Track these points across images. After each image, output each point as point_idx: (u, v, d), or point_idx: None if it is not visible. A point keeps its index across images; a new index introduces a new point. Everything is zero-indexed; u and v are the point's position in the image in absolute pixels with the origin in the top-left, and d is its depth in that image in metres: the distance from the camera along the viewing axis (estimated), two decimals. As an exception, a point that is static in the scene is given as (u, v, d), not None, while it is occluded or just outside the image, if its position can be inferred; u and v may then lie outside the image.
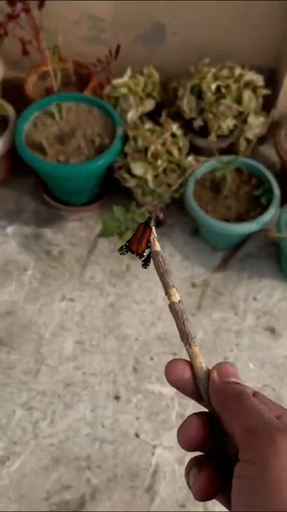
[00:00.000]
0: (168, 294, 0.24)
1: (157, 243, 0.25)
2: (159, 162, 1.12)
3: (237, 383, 0.22)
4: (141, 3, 1.26)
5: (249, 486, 0.18)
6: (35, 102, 1.21)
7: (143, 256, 0.25)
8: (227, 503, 0.21)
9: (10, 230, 1.27)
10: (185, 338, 0.23)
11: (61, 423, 1.00)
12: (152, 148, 1.10)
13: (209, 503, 0.90)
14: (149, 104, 1.22)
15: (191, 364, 0.23)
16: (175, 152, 1.14)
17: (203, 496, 0.21)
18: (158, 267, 0.25)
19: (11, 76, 1.47)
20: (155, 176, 1.13)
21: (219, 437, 0.22)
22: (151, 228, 0.26)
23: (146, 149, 1.13)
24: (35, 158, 1.12)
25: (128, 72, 1.26)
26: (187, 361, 0.23)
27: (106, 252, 1.23)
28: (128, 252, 0.27)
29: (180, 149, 1.16)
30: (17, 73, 1.52)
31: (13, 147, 1.22)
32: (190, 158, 1.17)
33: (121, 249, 0.26)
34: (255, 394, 0.23)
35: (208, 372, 0.23)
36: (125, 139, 1.17)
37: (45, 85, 1.35)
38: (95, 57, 1.39)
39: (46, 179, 1.23)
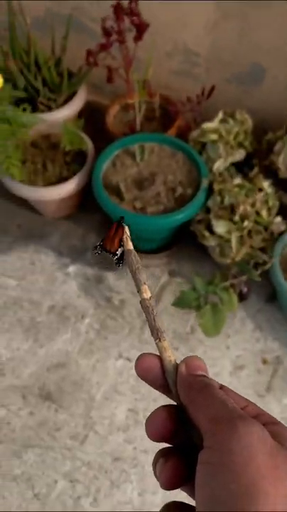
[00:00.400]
0: (139, 290, 0.24)
1: (129, 242, 0.26)
2: (246, 223, 1.00)
3: (204, 376, 0.22)
4: (242, 41, 1.16)
5: (211, 471, 0.18)
6: (117, 140, 1.13)
7: (117, 255, 0.25)
8: (193, 493, 0.21)
9: (72, 269, 1.19)
10: (155, 332, 0.23)
11: (105, 503, 0.90)
12: (241, 208, 0.99)
13: None
14: (239, 155, 1.11)
15: (160, 358, 0.23)
16: (264, 213, 1.03)
17: (169, 485, 0.21)
18: (130, 265, 0.25)
19: (89, 99, 1.40)
20: (239, 237, 1.02)
21: (187, 429, 0.22)
22: (124, 227, 0.26)
23: (232, 207, 1.02)
24: (111, 203, 1.03)
25: (220, 115, 1.15)
26: (156, 355, 0.23)
27: (171, 309, 1.12)
28: (103, 252, 0.27)
29: (269, 209, 1.05)
30: (96, 97, 1.45)
31: (86, 183, 1.14)
32: (279, 219, 1.06)
33: (95, 248, 0.27)
34: (221, 387, 0.23)
35: (176, 366, 0.23)
36: (209, 190, 1.06)
37: (126, 118, 1.27)
38: (182, 90, 1.29)
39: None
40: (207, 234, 1.04)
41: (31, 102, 1.20)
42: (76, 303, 1.14)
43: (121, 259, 0.26)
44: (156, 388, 0.24)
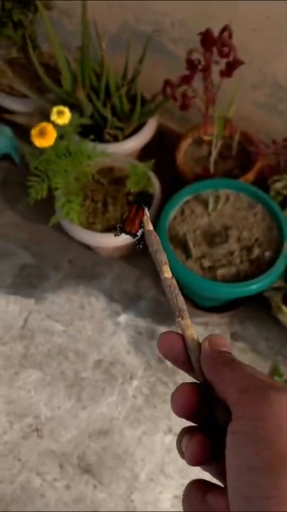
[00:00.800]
0: (160, 270, 0.24)
1: (149, 223, 0.26)
2: None
3: (228, 352, 0.22)
4: None
5: (243, 440, 0.18)
6: (188, 186, 1.00)
7: (137, 236, 0.25)
8: (218, 475, 0.22)
9: (123, 318, 1.08)
10: (177, 311, 0.23)
11: None
12: None
13: None
14: None
15: (183, 336, 0.23)
16: None
17: (194, 460, 0.21)
18: (151, 245, 0.25)
19: (157, 121, 1.27)
20: None
21: (211, 406, 0.22)
22: (144, 209, 0.26)
23: None
24: (176, 261, 0.91)
25: (309, 164, 1.00)
26: (178, 333, 0.23)
27: (230, 379, 1.00)
28: (123, 233, 0.27)
29: None
30: (164, 121, 1.32)
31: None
32: None
33: (115, 229, 0.27)
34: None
35: (199, 343, 0.23)
36: (290, 256, 0.92)
37: (199, 153, 1.13)
38: (264, 125, 1.15)
39: (180, 280, 1.02)
40: (284, 308, 0.90)
41: (96, 130, 1.09)
42: (125, 360, 1.03)
43: (142, 240, 0.26)
44: (179, 366, 0.23)
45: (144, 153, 1.17)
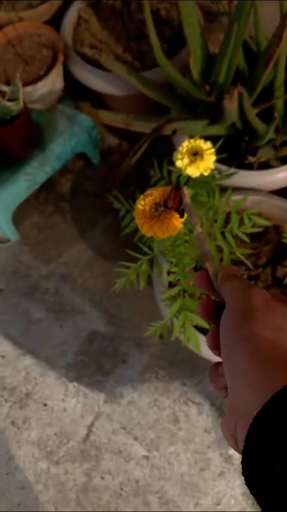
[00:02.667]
0: (195, 228, 0.32)
1: (187, 197, 0.33)
2: None
3: (235, 273, 0.30)
4: None
5: (226, 313, 0.27)
6: None
7: (179, 209, 0.33)
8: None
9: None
10: (205, 255, 0.31)
11: None
12: None
13: None
14: None
15: (208, 272, 0.31)
16: None
17: (211, 345, 0.29)
18: (188, 213, 0.32)
19: None
20: None
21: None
22: (180, 189, 0.33)
23: None
24: None
25: None
26: (206, 270, 0.32)
27: None
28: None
29: None
30: None
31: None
32: None
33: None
34: None
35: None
36: None
37: None
38: None
39: None
40: None
41: (230, 146, 0.63)
42: (237, 525, 0.66)
43: (183, 212, 0.32)
44: (207, 291, 0.31)
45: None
